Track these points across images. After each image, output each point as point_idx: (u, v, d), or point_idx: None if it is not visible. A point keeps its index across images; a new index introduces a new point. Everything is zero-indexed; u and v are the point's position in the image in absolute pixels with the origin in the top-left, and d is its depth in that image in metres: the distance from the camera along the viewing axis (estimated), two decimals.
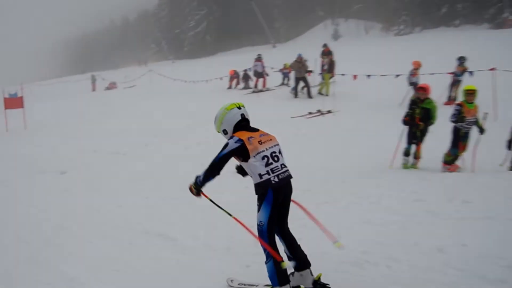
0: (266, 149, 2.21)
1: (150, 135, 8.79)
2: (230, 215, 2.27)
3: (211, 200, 2.32)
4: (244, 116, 2.31)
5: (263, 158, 2.16)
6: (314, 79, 11.88)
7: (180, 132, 8.71)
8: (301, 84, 11.66)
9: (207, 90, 14.54)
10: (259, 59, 13.43)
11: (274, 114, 9.26)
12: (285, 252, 2.27)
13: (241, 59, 20.46)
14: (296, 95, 11.69)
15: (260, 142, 2.21)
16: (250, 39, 39.00)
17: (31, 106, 13.95)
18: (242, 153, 2.16)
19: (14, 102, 12.30)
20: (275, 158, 2.22)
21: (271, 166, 2.18)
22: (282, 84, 13.96)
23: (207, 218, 3.75)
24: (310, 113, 9.36)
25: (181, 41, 44.50)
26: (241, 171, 2.42)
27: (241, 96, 12.81)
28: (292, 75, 12.20)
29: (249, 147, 2.15)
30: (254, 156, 2.15)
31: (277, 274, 2.11)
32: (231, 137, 2.22)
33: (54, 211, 4.87)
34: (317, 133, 7.46)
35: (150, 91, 16.93)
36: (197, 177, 2.25)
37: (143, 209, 4.51)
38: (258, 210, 2.18)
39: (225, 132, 2.33)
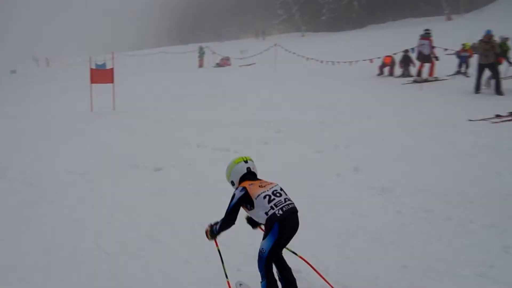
0: (267, 190, 3.05)
1: (270, 129, 9.14)
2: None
3: (219, 251, 3.31)
4: (250, 169, 3.23)
5: (264, 197, 3.00)
6: (508, 68, 10.84)
7: (311, 129, 8.93)
8: (487, 73, 10.80)
9: (350, 76, 14.46)
10: (426, 36, 12.90)
11: (442, 114, 9.05)
12: (276, 272, 3.13)
13: (400, 35, 19.65)
14: (478, 89, 10.91)
15: (260, 186, 3.09)
16: (415, 7, 37.12)
17: (122, 82, 14.96)
18: (247, 200, 3.03)
19: (103, 75, 13.19)
20: (277, 194, 3.04)
21: (274, 202, 2.98)
22: (458, 72, 13.19)
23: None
24: (498, 116, 8.50)
25: (319, 7, 44.05)
26: (250, 222, 3.35)
27: (397, 86, 12.60)
28: (474, 60, 11.30)
29: (250, 191, 3.01)
30: (256, 198, 2.99)
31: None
32: (237, 188, 3.12)
33: (144, 216, 5.29)
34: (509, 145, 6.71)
35: (274, 71, 17.45)
36: (214, 225, 3.17)
37: None
38: (263, 238, 2.99)
39: (232, 183, 3.28)
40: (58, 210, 5.75)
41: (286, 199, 3.03)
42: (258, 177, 3.29)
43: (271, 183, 3.13)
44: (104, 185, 6.61)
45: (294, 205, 3.05)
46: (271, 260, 3.02)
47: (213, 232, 3.15)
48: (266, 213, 2.95)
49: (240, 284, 3.50)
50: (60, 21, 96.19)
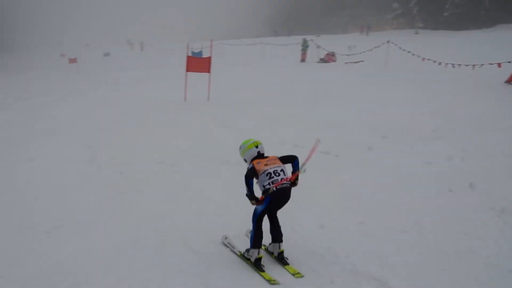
0: (270, 168, 4.11)
1: (376, 134, 8.86)
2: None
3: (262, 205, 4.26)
4: (259, 152, 4.32)
5: (266, 175, 4.08)
6: None
7: (422, 137, 8.40)
8: None
9: (473, 81, 13.19)
10: None
11: None
12: (270, 228, 4.33)
13: None
14: None
15: (266, 164, 4.13)
16: None
17: (219, 72, 14.79)
18: (254, 173, 4.10)
19: (199, 63, 13.03)
20: (277, 174, 4.09)
21: (272, 179, 4.06)
22: None
23: None
24: None
25: (441, 2, 40.85)
26: (251, 197, 4.13)
27: None
28: None
29: (257, 168, 4.09)
30: (260, 174, 4.09)
31: (254, 240, 4.15)
32: (249, 164, 4.21)
33: (234, 215, 5.26)
34: None
35: (384, 71, 16.70)
36: (246, 195, 4.10)
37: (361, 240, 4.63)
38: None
39: (245, 160, 4.39)
40: (146, 201, 5.93)
41: (282, 179, 4.08)
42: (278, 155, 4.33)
43: (275, 163, 4.16)
44: (194, 179, 6.71)
45: (288, 184, 4.09)
46: (261, 218, 4.16)
47: (248, 196, 4.08)
48: (264, 186, 4.08)
49: (226, 238, 4.71)
50: (157, 7, 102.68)
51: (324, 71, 18.76)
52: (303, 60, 23.83)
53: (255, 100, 12.91)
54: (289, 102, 12.38)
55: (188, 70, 13.06)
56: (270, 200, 4.06)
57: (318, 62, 22.62)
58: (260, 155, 4.30)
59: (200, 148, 8.37)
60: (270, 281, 3.92)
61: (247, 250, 4.27)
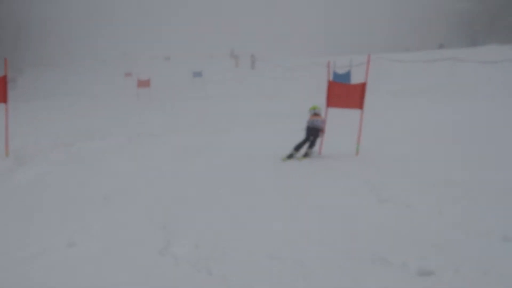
0: (315, 120, 11.55)
1: None
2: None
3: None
4: (314, 112, 11.72)
5: (310, 120, 11.66)
6: None
7: None
8: None
9: None
10: None
11: None
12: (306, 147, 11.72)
13: None
14: None
15: (312, 116, 11.82)
16: None
17: (376, 103, 13.52)
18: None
19: (346, 93, 11.44)
20: (315, 121, 11.48)
21: (311, 122, 11.52)
22: None
23: None
24: None
25: None
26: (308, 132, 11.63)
27: None
28: None
29: (310, 118, 11.74)
30: (308, 121, 11.73)
31: (295, 147, 11.37)
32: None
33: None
34: None
35: None
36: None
37: None
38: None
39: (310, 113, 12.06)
40: None
41: (315, 121, 11.35)
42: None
43: (317, 118, 11.44)
44: None
45: (317, 123, 11.35)
46: (305, 141, 11.26)
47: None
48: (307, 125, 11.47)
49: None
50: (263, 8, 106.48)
51: None
52: None
53: (433, 157, 10.48)
54: (494, 166, 9.63)
55: (330, 104, 11.37)
56: (307, 132, 11.33)
57: None
58: (316, 114, 11.59)
59: (348, 240, 5.86)
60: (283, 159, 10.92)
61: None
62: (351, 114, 12.53)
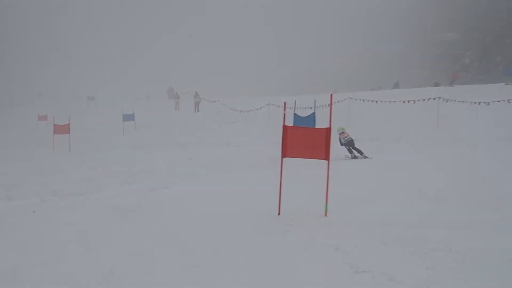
0: (345, 137, 21.83)
1: None
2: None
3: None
4: (341, 131, 22.13)
5: (342, 139, 21.94)
6: None
7: None
8: None
9: None
10: None
11: None
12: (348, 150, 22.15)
13: None
14: None
15: (342, 135, 22.15)
16: None
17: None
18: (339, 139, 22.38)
19: (310, 138, 11.50)
20: (347, 137, 21.71)
21: (345, 139, 21.76)
22: None
23: None
24: None
25: None
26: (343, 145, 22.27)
27: None
28: None
29: (340, 136, 22.03)
30: (340, 139, 22.06)
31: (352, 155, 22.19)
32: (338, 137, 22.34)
33: None
34: None
35: None
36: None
37: None
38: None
39: (338, 133, 22.27)
40: None
41: (346, 137, 21.48)
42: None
43: (345, 134, 21.65)
44: None
45: (350, 138, 21.47)
46: (348, 148, 21.42)
47: (341, 144, 21.56)
48: (342, 142, 21.67)
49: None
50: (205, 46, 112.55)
51: None
52: None
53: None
54: None
55: (287, 153, 11.22)
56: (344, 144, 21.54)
57: None
58: (343, 132, 21.64)
59: None
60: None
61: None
62: (314, 164, 12.56)
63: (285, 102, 12.01)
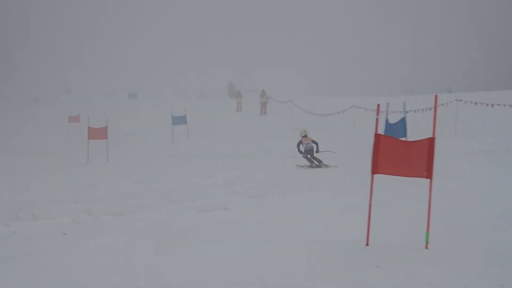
0: (306, 143, 27.17)
1: None
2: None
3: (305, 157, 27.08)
4: (304, 134, 27.42)
5: (304, 144, 27.33)
6: None
7: None
8: None
9: None
10: None
11: None
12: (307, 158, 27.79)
13: None
14: None
15: (303, 139, 27.67)
16: None
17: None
18: (300, 143, 27.56)
19: (408, 153, 11.59)
20: (309, 145, 26.90)
21: (305, 146, 27.00)
22: None
23: None
24: None
25: None
26: (301, 152, 27.45)
27: None
28: None
29: (302, 141, 27.34)
30: (302, 143, 27.14)
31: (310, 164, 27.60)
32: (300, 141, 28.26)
33: None
34: None
35: None
36: (300, 152, 28.00)
37: None
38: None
39: (301, 136, 28.21)
40: None
41: (308, 144, 26.14)
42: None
43: (308, 139, 26.33)
44: None
45: (311, 145, 26.20)
46: (310, 157, 26.21)
47: (300, 152, 26.51)
48: (302, 148, 26.52)
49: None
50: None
51: None
52: None
53: None
54: None
55: (379, 169, 11.32)
56: (305, 153, 26.21)
57: None
58: (305, 136, 26.38)
59: None
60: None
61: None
62: (405, 181, 12.58)
63: (378, 105, 12.08)
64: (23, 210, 15.84)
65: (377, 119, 11.44)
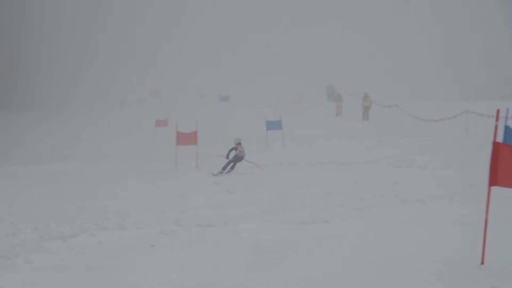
0: (240, 150, 32.05)
1: None
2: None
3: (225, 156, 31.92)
4: (238, 142, 32.42)
5: (236, 150, 32.48)
6: None
7: None
8: None
9: None
10: None
11: None
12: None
13: None
14: None
15: (238, 146, 33.08)
16: None
17: None
18: (234, 149, 32.68)
19: None
20: (242, 152, 31.97)
21: (239, 153, 31.90)
22: None
23: None
24: None
25: None
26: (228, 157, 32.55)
27: None
28: None
29: (238, 148, 32.71)
30: (235, 149, 31.80)
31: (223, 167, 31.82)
32: (234, 146, 33.20)
33: None
34: None
35: None
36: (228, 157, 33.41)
37: None
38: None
39: (235, 144, 33.58)
40: None
41: (241, 152, 30.78)
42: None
43: (242, 148, 30.91)
44: None
45: (244, 154, 31.00)
46: (233, 164, 30.52)
47: (227, 157, 30.86)
48: (235, 154, 31.05)
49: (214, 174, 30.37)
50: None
51: None
52: None
53: None
54: None
55: (498, 181, 10.93)
56: (235, 159, 30.34)
57: None
58: (239, 144, 31.10)
59: None
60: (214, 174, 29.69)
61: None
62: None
63: (498, 110, 11.84)
64: (108, 220, 16.21)
65: (496, 125, 11.20)
